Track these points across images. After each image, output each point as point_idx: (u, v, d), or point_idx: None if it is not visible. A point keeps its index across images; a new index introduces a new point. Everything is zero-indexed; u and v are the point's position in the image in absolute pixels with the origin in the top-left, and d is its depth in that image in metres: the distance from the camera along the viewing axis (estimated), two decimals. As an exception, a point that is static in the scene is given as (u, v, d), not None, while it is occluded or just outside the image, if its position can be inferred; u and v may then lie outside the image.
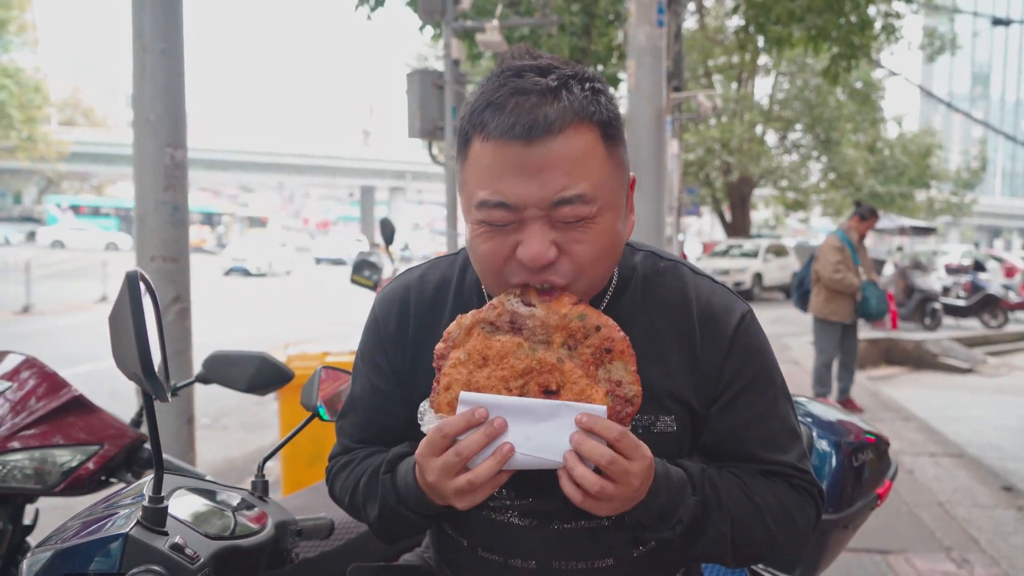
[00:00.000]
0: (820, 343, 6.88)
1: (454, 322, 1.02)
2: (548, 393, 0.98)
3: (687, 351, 1.13)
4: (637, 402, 0.99)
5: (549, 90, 0.99)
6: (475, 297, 1.20)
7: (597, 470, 0.95)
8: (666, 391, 1.12)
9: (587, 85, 1.02)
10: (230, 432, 6.61)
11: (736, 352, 1.14)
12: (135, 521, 0.96)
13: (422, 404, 1.03)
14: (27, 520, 1.83)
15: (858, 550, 3.91)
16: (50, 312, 14.50)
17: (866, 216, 6.90)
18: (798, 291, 7.17)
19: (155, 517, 0.96)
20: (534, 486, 1.10)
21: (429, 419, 1.00)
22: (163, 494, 0.97)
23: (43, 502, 1.86)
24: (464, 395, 0.96)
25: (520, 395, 0.98)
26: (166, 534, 0.96)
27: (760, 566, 1.75)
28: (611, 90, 1.08)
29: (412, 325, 1.21)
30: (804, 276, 7.02)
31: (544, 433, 0.94)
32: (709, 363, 1.13)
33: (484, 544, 1.18)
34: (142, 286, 0.87)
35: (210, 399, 6.65)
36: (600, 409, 0.95)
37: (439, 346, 1.02)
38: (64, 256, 30.55)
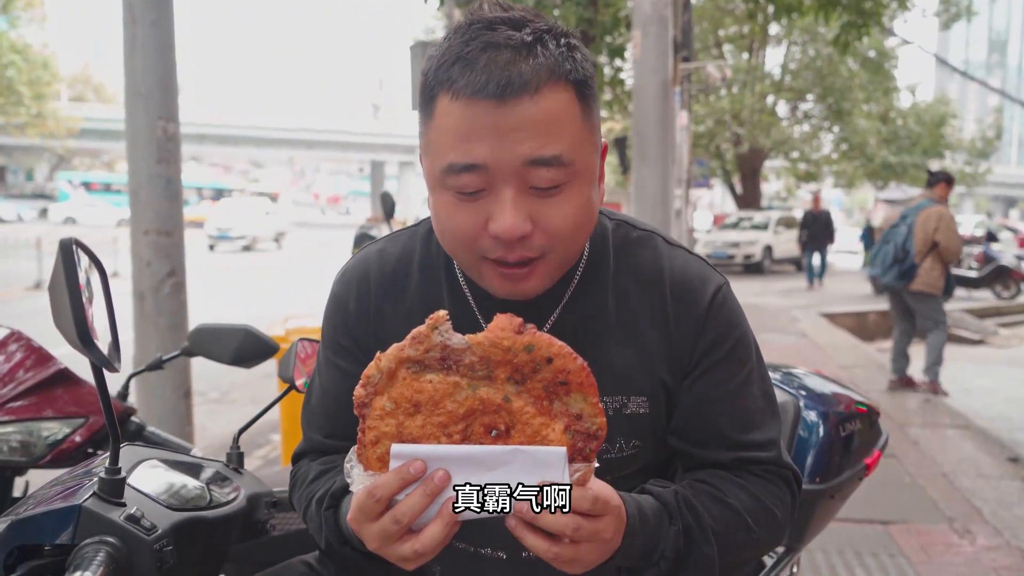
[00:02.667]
0: (937, 315, 6.56)
1: (372, 363, 0.86)
2: (495, 434, 0.85)
3: (661, 327, 1.09)
4: (602, 435, 0.86)
5: (524, 45, 0.93)
6: (443, 271, 1.14)
7: None
8: (639, 371, 1.08)
9: (562, 41, 0.96)
10: (238, 406, 6.66)
11: (710, 325, 1.09)
12: (91, 492, 0.95)
13: (348, 456, 0.88)
14: (17, 492, 1.84)
15: (860, 520, 3.92)
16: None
17: (951, 182, 6.77)
18: (900, 266, 6.50)
19: (111, 488, 0.96)
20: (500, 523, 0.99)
21: (358, 476, 0.86)
22: (119, 465, 0.96)
23: (36, 475, 1.87)
24: (396, 448, 0.83)
25: (463, 441, 0.85)
26: (123, 505, 0.96)
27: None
28: (585, 48, 1.01)
29: (373, 301, 1.14)
30: (909, 249, 6.45)
31: (496, 485, 0.82)
32: (683, 337, 1.08)
33: (452, 573, 1.16)
34: (84, 256, 0.86)
35: (219, 374, 6.70)
36: (559, 451, 0.83)
37: (358, 391, 0.86)
38: (76, 232, 30.49)
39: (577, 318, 1.10)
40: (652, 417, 1.09)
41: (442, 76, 0.94)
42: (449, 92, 0.93)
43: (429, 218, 1.17)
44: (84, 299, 0.83)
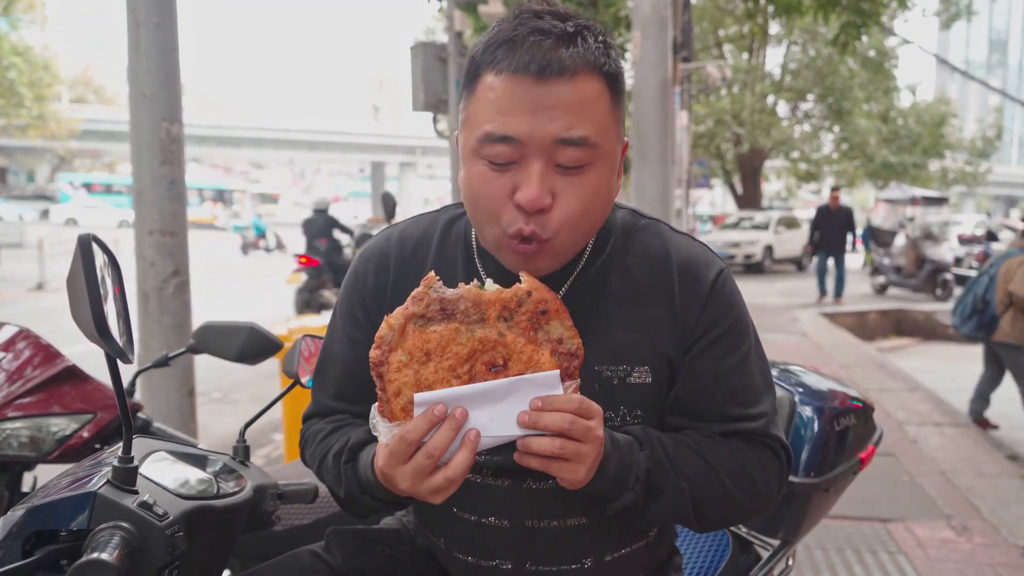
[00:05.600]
0: (1022, 365, 6.03)
1: (383, 324, 0.98)
2: (495, 369, 0.97)
3: (666, 303, 1.15)
4: (580, 354, 0.99)
5: (566, 34, 1.02)
6: (460, 250, 1.21)
7: None
8: (643, 342, 1.14)
9: (600, 38, 1.05)
10: (240, 406, 6.69)
11: (713, 303, 1.16)
12: (105, 480, 0.99)
13: (372, 413, 1.00)
14: (26, 487, 1.87)
15: (859, 518, 3.94)
16: (63, 289, 14.54)
17: None
18: (980, 317, 6.15)
19: (124, 476, 0.99)
20: (505, 444, 1.11)
21: (384, 429, 0.98)
22: (132, 455, 1.00)
23: (44, 471, 1.90)
24: (419, 396, 0.95)
25: (469, 380, 0.96)
26: (136, 493, 0.99)
27: (743, 530, 1.77)
28: (616, 48, 1.11)
29: (391, 278, 1.22)
30: (989, 300, 6.06)
31: (506, 411, 0.95)
32: (686, 314, 1.15)
33: (459, 504, 1.20)
34: (100, 251, 0.89)
35: (222, 374, 6.74)
36: (553, 374, 0.96)
37: (374, 353, 0.97)
38: (78, 233, 30.71)
39: (585, 293, 1.16)
40: (654, 387, 1.15)
41: (488, 56, 1.04)
42: (494, 69, 1.02)
43: (451, 204, 1.29)
44: (101, 293, 0.87)
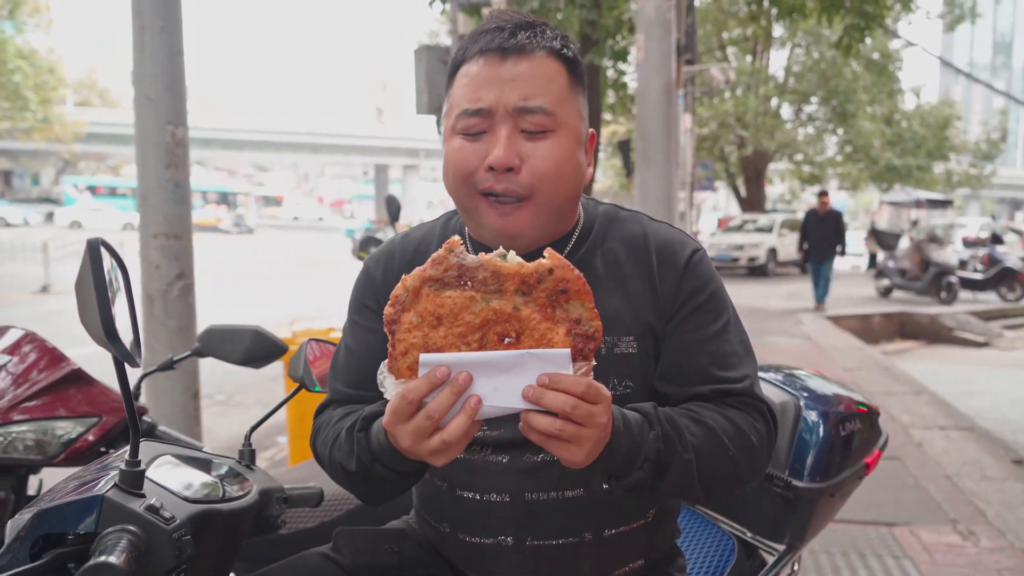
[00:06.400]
0: None
1: (399, 284, 0.98)
2: (508, 341, 0.96)
3: (646, 279, 1.25)
4: (598, 336, 0.98)
5: (526, 23, 1.20)
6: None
7: None
8: (627, 315, 1.23)
9: (556, 32, 1.22)
10: (244, 409, 6.69)
11: (688, 278, 1.25)
12: (113, 484, 0.99)
13: (380, 369, 1.00)
14: (31, 490, 1.87)
15: (864, 522, 3.93)
16: (68, 292, 14.44)
17: None
18: None
19: (131, 480, 0.99)
20: (505, 418, 1.12)
21: (391, 385, 0.98)
22: (139, 458, 1.00)
23: (49, 474, 1.90)
24: (424, 357, 0.94)
25: (480, 348, 0.96)
26: (143, 496, 0.99)
27: (748, 534, 1.77)
28: (574, 46, 1.26)
29: (396, 272, 1.27)
30: None
31: (511, 383, 0.94)
32: (665, 287, 1.25)
33: (461, 483, 1.25)
34: (108, 255, 0.90)
35: (226, 377, 6.74)
36: (563, 353, 0.94)
37: (387, 311, 0.97)
38: (82, 236, 30.65)
39: None
40: (640, 357, 1.23)
41: (461, 54, 1.21)
42: (465, 59, 1.20)
43: (452, 211, 1.40)
44: (109, 297, 0.87)
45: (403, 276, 0.99)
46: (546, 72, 1.18)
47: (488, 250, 1.18)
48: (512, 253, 1.00)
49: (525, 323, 0.96)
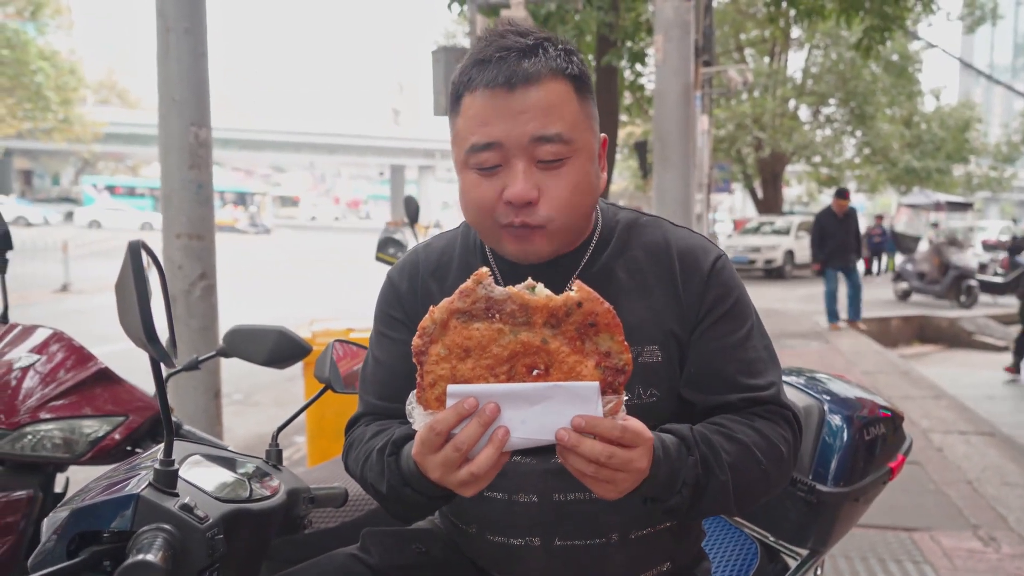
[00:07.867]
0: None
1: (427, 315, 0.97)
2: (536, 373, 0.96)
3: (669, 286, 1.24)
4: (628, 370, 0.97)
5: (528, 48, 1.14)
6: (478, 252, 1.31)
7: None
8: (650, 323, 1.22)
9: (560, 47, 1.17)
10: (262, 408, 6.73)
11: (713, 284, 1.24)
12: (147, 483, 1.00)
13: (409, 400, 1.01)
14: (58, 488, 1.89)
15: (884, 527, 3.90)
16: (88, 291, 14.78)
17: None
18: None
19: (166, 479, 1.00)
20: (532, 469, 1.16)
21: (419, 416, 0.98)
22: (173, 458, 1.01)
23: (76, 472, 1.92)
24: (452, 388, 0.94)
25: (508, 381, 0.96)
26: (176, 495, 1.01)
27: (771, 539, 1.76)
28: (580, 54, 1.22)
29: (420, 282, 1.32)
30: None
31: (539, 415, 0.93)
32: (689, 294, 1.24)
33: (489, 485, 1.23)
34: (146, 256, 0.91)
35: (243, 376, 6.78)
36: (592, 385, 0.94)
37: (416, 342, 0.97)
38: (101, 236, 31.12)
39: (593, 282, 1.19)
40: (665, 366, 1.22)
41: (464, 78, 1.16)
42: (470, 89, 1.15)
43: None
44: (151, 299, 0.88)
45: (431, 308, 0.98)
46: (556, 97, 1.14)
47: (510, 268, 1.22)
48: (540, 285, 0.99)
49: (554, 356, 0.96)
